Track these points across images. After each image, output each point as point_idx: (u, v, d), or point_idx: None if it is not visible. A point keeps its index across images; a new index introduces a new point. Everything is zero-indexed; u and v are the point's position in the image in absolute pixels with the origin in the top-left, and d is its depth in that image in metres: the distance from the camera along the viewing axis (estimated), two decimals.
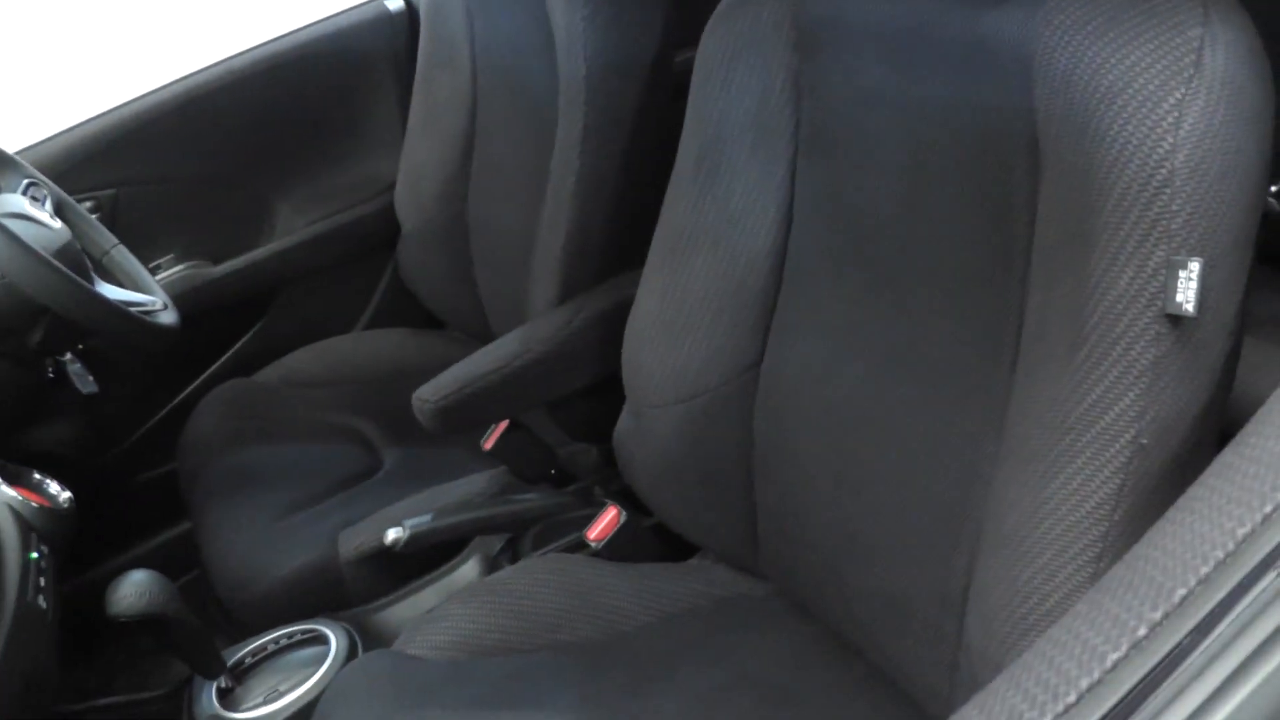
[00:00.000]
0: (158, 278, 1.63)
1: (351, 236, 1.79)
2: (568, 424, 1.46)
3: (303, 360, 1.73)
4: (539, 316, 1.41)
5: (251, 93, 1.71)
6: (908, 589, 0.96)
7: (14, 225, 1.25)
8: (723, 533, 1.21)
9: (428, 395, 1.34)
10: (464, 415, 1.36)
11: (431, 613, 1.24)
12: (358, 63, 1.77)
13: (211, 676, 1.30)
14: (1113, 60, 0.72)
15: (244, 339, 1.78)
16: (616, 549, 1.30)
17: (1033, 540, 0.80)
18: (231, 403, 1.63)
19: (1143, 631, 0.46)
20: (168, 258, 1.70)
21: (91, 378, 1.42)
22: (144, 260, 1.55)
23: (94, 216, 1.58)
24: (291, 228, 1.75)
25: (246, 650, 1.35)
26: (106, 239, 1.45)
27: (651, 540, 1.34)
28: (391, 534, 1.33)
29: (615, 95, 1.31)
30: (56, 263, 1.19)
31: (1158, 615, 0.46)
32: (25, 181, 1.40)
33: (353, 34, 1.76)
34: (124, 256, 1.44)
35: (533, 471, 1.46)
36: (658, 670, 1.11)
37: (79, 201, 1.52)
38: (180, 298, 1.60)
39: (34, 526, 1.14)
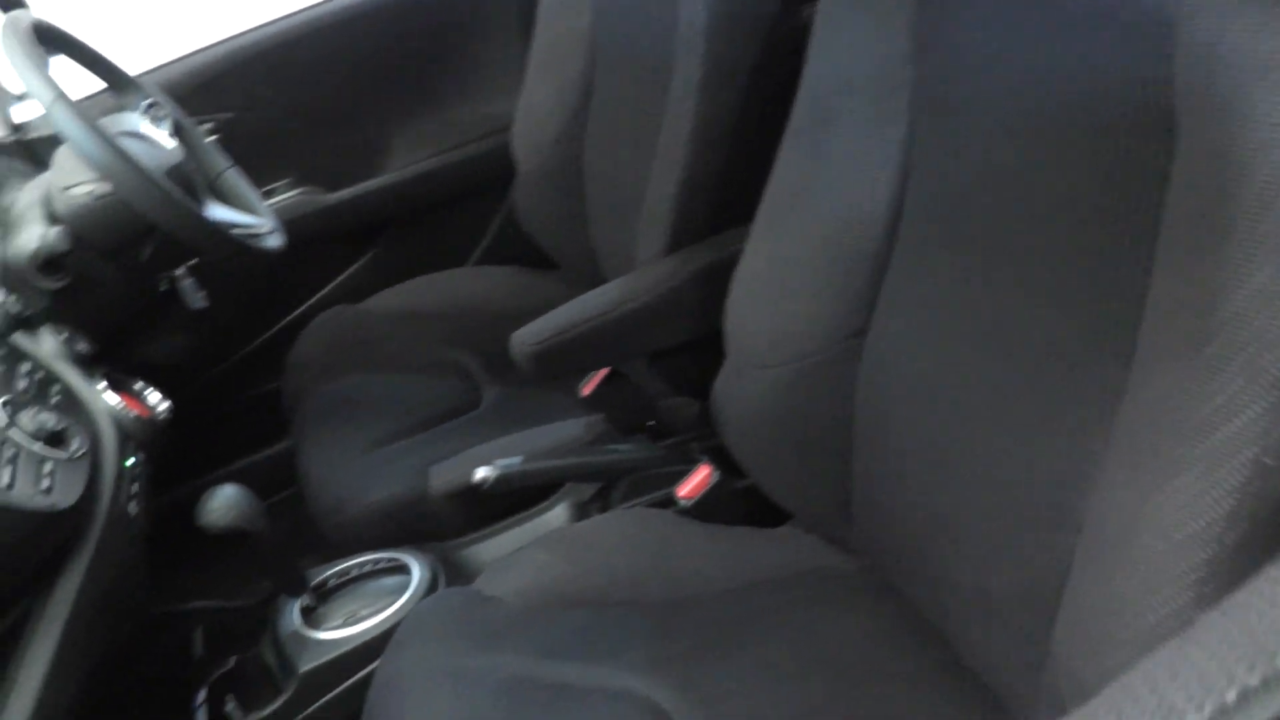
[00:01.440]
0: (272, 201, 1.65)
1: (468, 173, 1.78)
2: (669, 376, 1.43)
3: (412, 291, 1.73)
4: (644, 266, 1.38)
5: (376, 26, 1.71)
6: (997, 582, 0.91)
7: (129, 143, 1.26)
8: (815, 502, 1.16)
9: (525, 338, 1.33)
10: (560, 361, 1.34)
11: (513, 556, 1.23)
12: (482, 1, 1.75)
13: (295, 594, 1.32)
14: (1268, 30, 0.63)
15: (354, 267, 1.79)
16: (705, 509, 1.27)
17: (1134, 551, 0.71)
18: (338, 328, 1.64)
19: (1232, 696, 0.36)
20: (283, 182, 1.72)
21: (203, 294, 1.44)
22: (259, 184, 1.57)
23: (213, 139, 1.60)
24: (408, 161, 1.75)
25: (332, 572, 1.36)
26: (221, 161, 1.46)
27: (742, 503, 1.30)
28: (480, 473, 1.33)
29: (735, 46, 1.25)
30: (165, 181, 1.19)
31: (1254, 680, 0.37)
32: (146, 102, 1.42)
33: None
34: (236, 179, 1.46)
35: (630, 422, 1.43)
36: (731, 638, 1.08)
37: (199, 123, 1.54)
38: (293, 223, 1.61)
39: (131, 434, 1.16)
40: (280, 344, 1.67)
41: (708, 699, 0.98)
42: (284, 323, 1.78)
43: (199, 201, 1.35)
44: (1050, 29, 0.82)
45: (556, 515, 1.42)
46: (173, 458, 1.76)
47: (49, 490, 0.95)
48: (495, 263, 1.84)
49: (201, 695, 1.33)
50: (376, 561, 1.37)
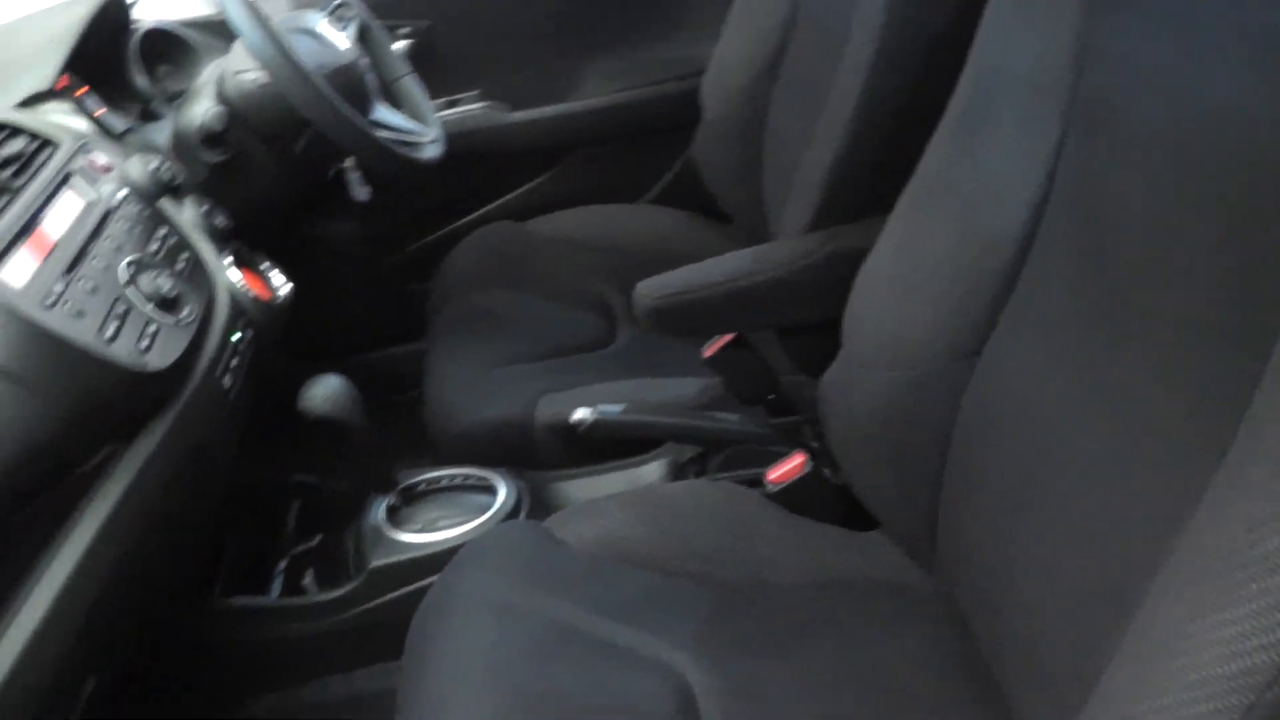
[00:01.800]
0: (456, 111, 1.69)
1: (654, 113, 1.75)
2: (795, 353, 1.37)
3: (576, 219, 1.73)
4: (784, 238, 1.32)
5: None
6: (1047, 639, 0.84)
7: (298, 39, 1.32)
8: (903, 515, 1.10)
9: (648, 290, 1.31)
10: (680, 320, 1.32)
11: (591, 503, 1.23)
12: None
13: (383, 491, 1.37)
14: None
15: (525, 187, 1.82)
16: (792, 497, 1.22)
17: (1171, 668, 0.63)
18: (497, 243, 1.67)
19: None
20: (470, 94, 1.75)
21: (369, 188, 1.50)
22: (446, 93, 1.61)
23: (406, 44, 1.65)
24: (598, 91, 1.75)
25: (423, 478, 1.41)
26: (400, 67, 1.50)
27: (832, 500, 1.24)
28: (579, 413, 1.33)
29: (915, 24, 1.17)
30: (319, 80, 1.23)
31: None
32: (336, 2, 1.48)
33: None
34: (412, 86, 1.50)
35: (748, 393, 1.39)
36: (787, 636, 1.04)
37: (397, 27, 1.59)
38: (472, 134, 1.66)
39: (245, 311, 1.23)
40: (440, 249, 1.71)
41: (737, 691, 0.96)
42: (447, 229, 1.83)
43: (366, 103, 1.40)
44: (1218, 58, 0.71)
45: (651, 470, 1.41)
46: (314, 339, 1.86)
47: (146, 350, 1.01)
48: (669, 205, 1.81)
49: (283, 564, 1.41)
50: (467, 477, 1.41)
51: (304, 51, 1.31)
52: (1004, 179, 0.94)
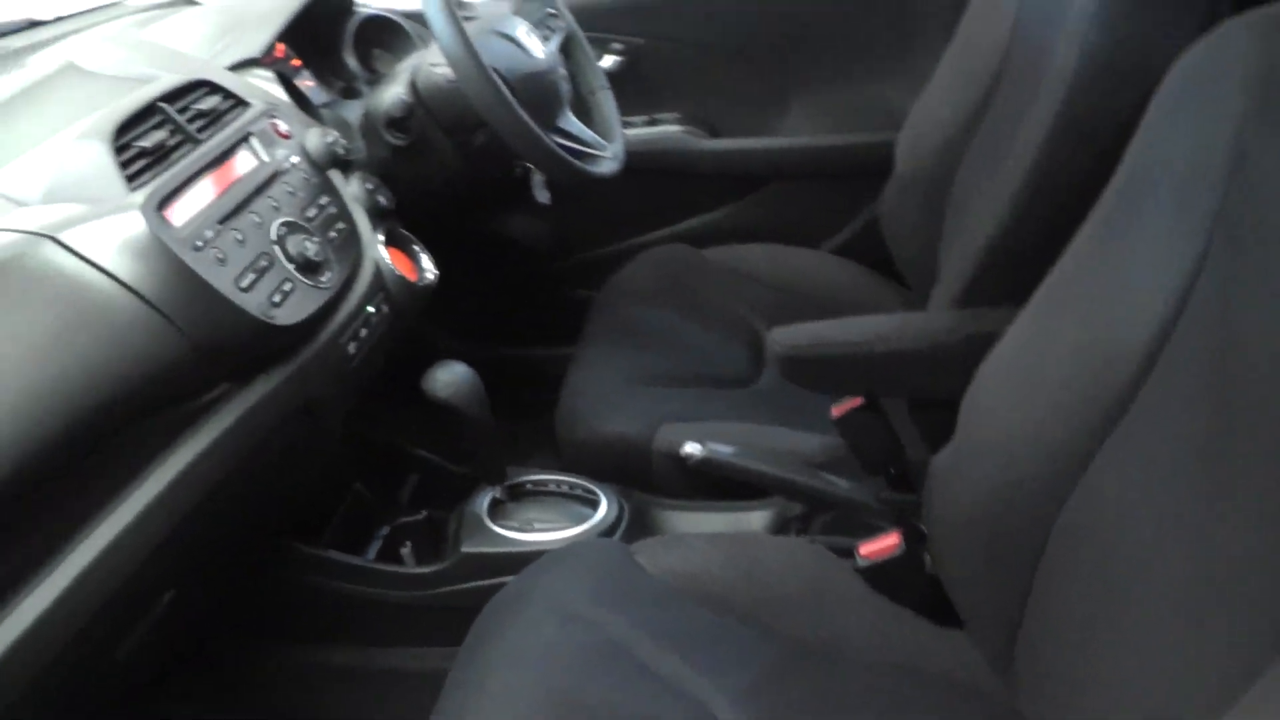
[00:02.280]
0: (653, 130, 1.72)
1: (850, 159, 1.71)
2: (923, 428, 1.32)
3: (752, 255, 1.72)
4: (932, 310, 1.27)
5: None
6: None
7: (492, 41, 1.38)
8: (987, 615, 1.04)
9: (781, 338, 1.29)
10: (809, 373, 1.29)
11: (680, 537, 1.23)
12: None
13: (492, 483, 1.42)
14: None
15: (709, 214, 1.82)
16: (880, 576, 1.17)
17: None
18: (669, 264, 1.68)
19: None
20: (670, 115, 1.77)
21: (549, 192, 1.55)
22: (648, 111, 1.63)
23: (617, 59, 1.69)
24: (796, 129, 1.73)
25: (532, 478, 1.45)
26: (597, 80, 1.54)
27: (921, 587, 1.18)
28: (689, 446, 1.33)
29: (1093, 108, 1.08)
30: (498, 83, 1.28)
31: None
32: (546, 10, 1.53)
33: None
34: (605, 100, 1.54)
35: (870, 460, 1.34)
36: (838, 710, 1.01)
37: (610, 41, 1.63)
38: (666, 155, 1.68)
39: (385, 287, 1.29)
40: (613, 261, 1.74)
41: None
42: (625, 243, 1.85)
43: (554, 111, 1.44)
44: None
45: (755, 518, 1.39)
46: (470, 326, 1.93)
47: (277, 304, 1.08)
48: (854, 254, 1.76)
49: (385, 530, 1.48)
50: (573, 486, 1.44)
51: (496, 54, 1.37)
52: (1139, 288, 0.87)
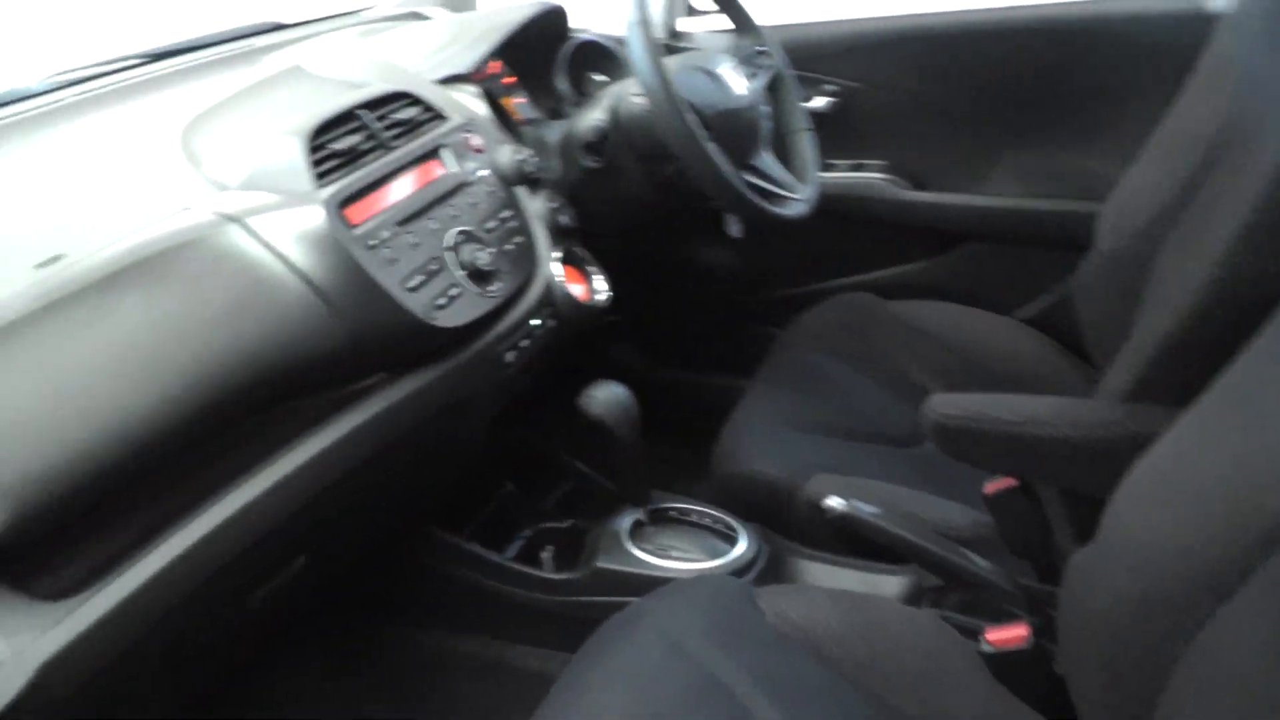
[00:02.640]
0: (858, 175, 1.69)
1: (1053, 227, 1.62)
2: (1075, 520, 1.24)
3: (938, 313, 1.66)
4: (1099, 399, 1.20)
5: (1024, 46, 1.62)
6: None
7: (692, 77, 1.41)
8: None
9: (937, 405, 1.25)
10: (962, 445, 1.24)
11: (806, 588, 1.22)
12: (1142, 56, 1.54)
13: (637, 505, 1.45)
14: None
15: (902, 266, 1.77)
16: (1002, 665, 1.13)
17: None
18: (853, 312, 1.65)
19: None
20: (877, 162, 1.74)
21: (741, 226, 1.55)
22: (850, 155, 1.60)
23: (828, 101, 1.68)
24: (1000, 190, 1.65)
25: (676, 505, 1.47)
26: (800, 121, 1.53)
27: (1042, 684, 1.13)
28: (832, 500, 1.31)
29: None
30: (690, 118, 1.30)
31: None
32: (756, 48, 1.53)
33: (1152, 23, 1.52)
34: (805, 142, 1.53)
35: (1017, 543, 1.28)
36: None
37: (823, 83, 1.62)
38: (866, 202, 1.65)
39: (554, 303, 1.34)
40: (800, 302, 1.72)
41: None
42: (814, 286, 1.82)
43: (749, 148, 1.45)
44: None
45: (889, 583, 1.35)
46: (650, 347, 1.95)
47: (441, 307, 1.15)
48: (1045, 325, 1.67)
49: (528, 532, 1.53)
50: (716, 520, 1.45)
51: (695, 89, 1.40)
52: None
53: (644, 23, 1.30)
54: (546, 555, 1.48)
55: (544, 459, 1.63)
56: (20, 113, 1.29)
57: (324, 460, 1.07)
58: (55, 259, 0.95)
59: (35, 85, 1.36)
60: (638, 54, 1.29)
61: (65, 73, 1.39)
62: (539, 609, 1.44)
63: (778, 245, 1.81)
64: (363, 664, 1.55)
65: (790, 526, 1.41)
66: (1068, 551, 1.26)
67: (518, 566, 1.46)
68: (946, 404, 1.27)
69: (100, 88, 1.38)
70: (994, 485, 1.29)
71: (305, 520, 1.10)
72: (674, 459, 1.69)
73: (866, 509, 1.30)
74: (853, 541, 1.35)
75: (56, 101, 1.32)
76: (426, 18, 1.77)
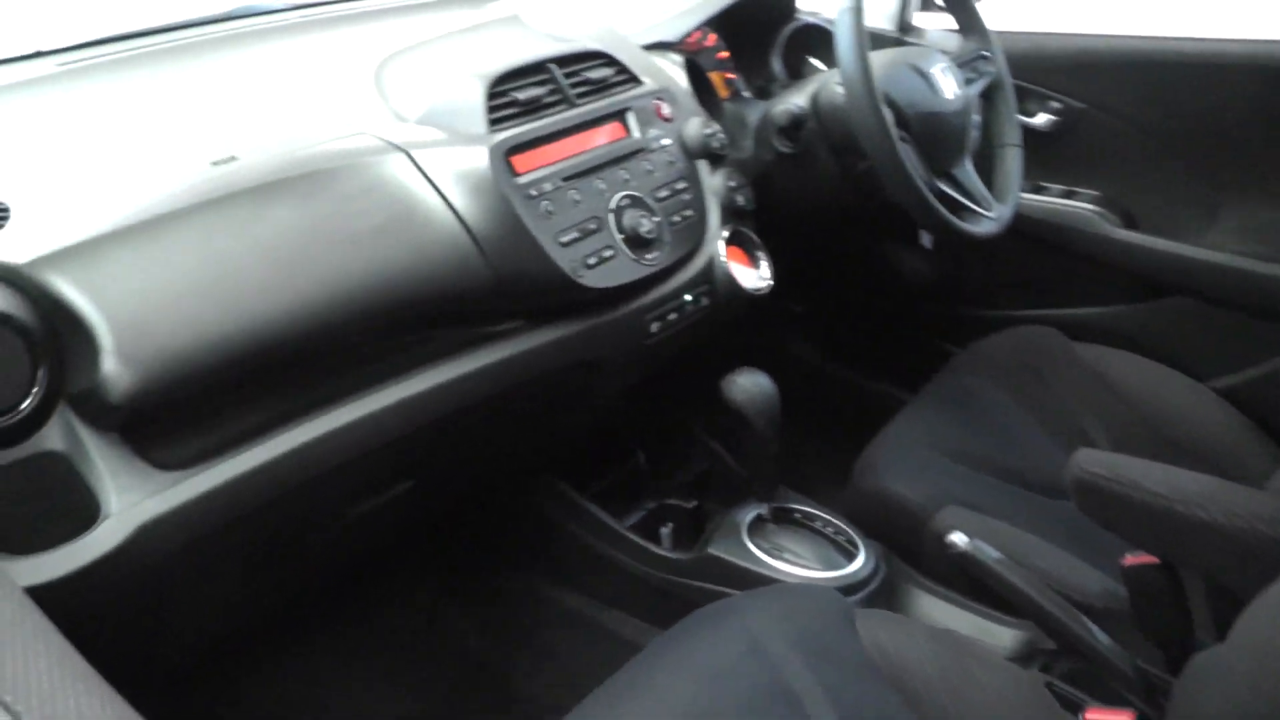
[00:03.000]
0: (1068, 202, 1.58)
1: (1272, 293, 1.46)
2: (1218, 613, 1.14)
3: (1127, 365, 1.52)
4: (1268, 490, 1.09)
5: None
6: None
7: (900, 73, 1.36)
8: None
9: (1083, 459, 1.16)
10: (1102, 509, 1.15)
11: (907, 620, 1.17)
12: None
13: (762, 500, 1.43)
14: None
15: (1097, 308, 1.64)
16: None
17: None
18: (1033, 345, 1.55)
19: None
20: (1089, 192, 1.61)
21: (932, 239, 1.49)
22: (1067, 182, 1.50)
23: (1049, 119, 1.57)
24: (1220, 245, 1.50)
25: (802, 508, 1.44)
26: (1011, 136, 1.44)
27: None
28: (955, 536, 1.24)
29: None
30: (885, 116, 1.25)
31: None
32: (979, 53, 1.45)
33: None
34: (1012, 158, 1.44)
35: (1148, 626, 1.18)
36: None
37: (1050, 99, 1.51)
38: (1071, 233, 1.55)
39: (711, 282, 1.32)
40: (984, 324, 1.63)
41: None
42: (1000, 312, 1.71)
43: (950, 155, 1.39)
44: None
45: (1003, 635, 1.28)
46: (830, 341, 1.90)
47: (591, 267, 1.16)
48: (1239, 406, 1.50)
49: (652, 504, 1.53)
50: (839, 531, 1.41)
51: (900, 85, 1.35)
52: None
53: (855, 9, 1.26)
54: (666, 531, 1.48)
55: (681, 436, 1.63)
56: (251, 26, 1.39)
57: (446, 391, 1.11)
58: (230, 159, 1.03)
59: (275, 3, 1.47)
60: (842, 40, 1.25)
61: None
62: (645, 582, 1.45)
63: (971, 262, 1.72)
64: (474, 600, 1.60)
65: (914, 554, 1.35)
66: (1204, 646, 1.16)
67: (634, 537, 1.47)
68: (1093, 460, 1.18)
69: (329, 14, 1.46)
70: (1134, 559, 1.19)
71: (419, 445, 1.14)
72: (821, 458, 1.65)
73: (991, 553, 1.23)
74: (973, 584, 1.29)
75: (283, 21, 1.41)
76: None
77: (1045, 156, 1.64)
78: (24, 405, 0.83)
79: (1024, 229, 1.59)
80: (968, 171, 1.42)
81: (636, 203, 1.23)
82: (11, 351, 0.82)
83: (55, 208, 0.92)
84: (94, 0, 1.38)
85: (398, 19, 1.46)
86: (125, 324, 0.85)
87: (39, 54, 1.23)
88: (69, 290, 0.84)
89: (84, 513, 0.84)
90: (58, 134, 1.06)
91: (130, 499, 0.87)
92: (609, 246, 1.19)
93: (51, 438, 0.84)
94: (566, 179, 1.17)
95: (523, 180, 1.13)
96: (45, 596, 0.72)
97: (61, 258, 0.85)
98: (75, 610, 0.73)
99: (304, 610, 1.50)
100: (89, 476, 0.85)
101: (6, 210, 0.90)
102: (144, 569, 0.89)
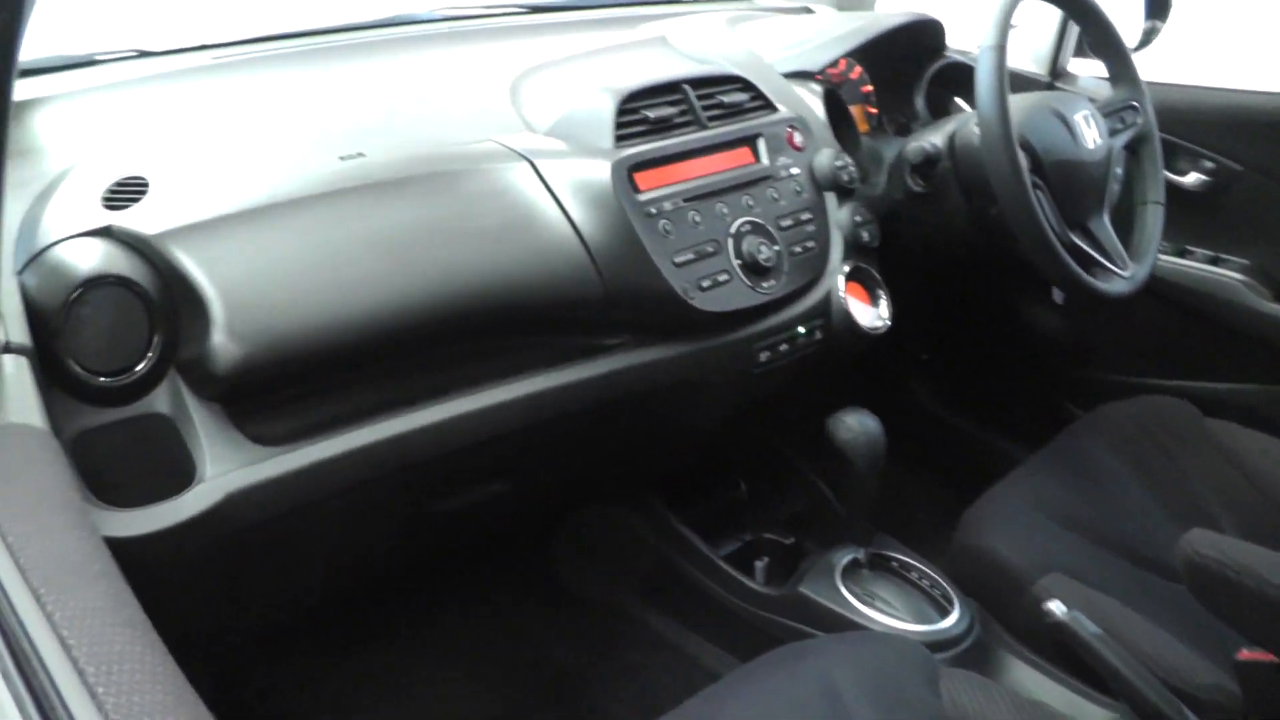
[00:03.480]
0: (1213, 270, 1.50)
1: None
2: None
3: (1263, 446, 1.41)
4: None
5: None
6: None
7: (1040, 117, 1.31)
8: None
9: (1196, 540, 1.10)
10: (1214, 595, 1.08)
11: (993, 685, 1.13)
12: None
13: (859, 545, 1.40)
14: None
15: (1237, 384, 1.55)
16: None
17: None
18: (1162, 417, 1.46)
19: None
20: (1238, 261, 1.53)
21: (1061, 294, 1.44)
22: (1216, 249, 1.43)
23: (1200, 179, 1.50)
24: None
25: (900, 557, 1.41)
26: (1154, 193, 1.38)
27: None
28: (1054, 604, 1.19)
29: None
30: (1019, 160, 1.21)
31: None
32: (1128, 101, 1.39)
33: None
34: (1152, 216, 1.37)
35: None
36: None
37: (1203, 158, 1.44)
38: (1215, 302, 1.48)
39: (826, 316, 1.30)
40: (1113, 389, 1.55)
41: None
42: (1132, 379, 1.63)
43: (1085, 208, 1.34)
44: None
45: (1096, 715, 1.21)
46: (951, 387, 1.84)
47: (704, 290, 1.15)
48: None
49: (749, 536, 1.51)
50: (934, 584, 1.37)
51: (1040, 130, 1.30)
52: None
53: (998, 47, 1.22)
54: (760, 565, 1.46)
55: (786, 470, 1.60)
56: (402, 34, 1.45)
57: (546, 398, 1.12)
58: (357, 155, 1.07)
59: (422, 13, 1.52)
60: (982, 78, 1.22)
61: (452, 7, 1.54)
62: (733, 613, 1.43)
63: (1105, 324, 1.65)
64: (562, 611, 1.61)
65: (1010, 618, 1.30)
66: None
67: (727, 567, 1.45)
68: (1208, 543, 1.11)
69: (481, 26, 1.51)
70: (1250, 654, 1.13)
71: (514, 448, 1.16)
72: (928, 508, 1.61)
73: (1090, 626, 1.17)
74: (1069, 657, 1.23)
75: (435, 30, 1.47)
76: (812, 13, 1.76)
77: (1193, 219, 1.56)
78: (139, 367, 0.88)
79: (1164, 293, 1.52)
80: (1104, 226, 1.36)
81: (758, 229, 1.22)
82: (132, 316, 0.88)
83: (189, 187, 0.97)
84: (262, 2, 1.47)
85: (547, 36, 1.50)
86: (237, 301, 0.89)
87: (203, 47, 1.30)
88: (189, 264, 0.89)
89: (179, 476, 0.88)
90: (203, 120, 1.12)
91: (223, 467, 0.90)
92: (724, 271, 1.18)
93: (159, 401, 0.89)
94: (688, 200, 1.17)
95: (644, 198, 1.13)
96: (128, 550, 0.75)
97: (187, 233, 0.90)
98: (154, 568, 0.76)
99: (390, 600, 1.53)
100: (189, 442, 0.89)
101: (146, 184, 0.96)
102: (227, 538, 0.92)
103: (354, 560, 1.23)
